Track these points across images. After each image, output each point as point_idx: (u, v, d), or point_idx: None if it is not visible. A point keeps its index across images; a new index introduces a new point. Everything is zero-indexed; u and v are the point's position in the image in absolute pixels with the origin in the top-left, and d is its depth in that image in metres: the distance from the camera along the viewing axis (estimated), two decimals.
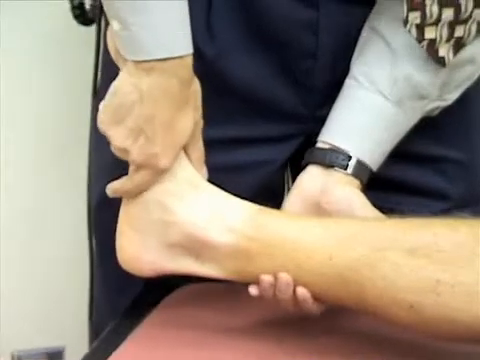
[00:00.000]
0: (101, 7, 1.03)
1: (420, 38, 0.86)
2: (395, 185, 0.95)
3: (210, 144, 0.85)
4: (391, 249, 0.74)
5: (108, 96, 0.80)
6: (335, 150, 0.88)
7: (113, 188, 0.84)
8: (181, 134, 0.81)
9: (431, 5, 0.83)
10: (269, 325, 0.84)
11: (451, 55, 0.86)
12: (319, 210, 0.86)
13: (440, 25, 0.85)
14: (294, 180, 1.01)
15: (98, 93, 1.02)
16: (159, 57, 0.76)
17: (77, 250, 1.26)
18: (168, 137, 0.80)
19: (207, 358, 0.78)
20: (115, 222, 0.85)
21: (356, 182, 0.88)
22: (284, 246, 0.78)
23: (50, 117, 1.42)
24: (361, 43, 0.91)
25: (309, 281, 0.77)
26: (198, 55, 0.80)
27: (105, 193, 0.97)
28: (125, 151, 0.80)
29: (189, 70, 0.79)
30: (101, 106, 0.81)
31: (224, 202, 0.82)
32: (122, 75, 0.79)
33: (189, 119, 0.81)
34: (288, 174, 1.02)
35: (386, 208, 0.86)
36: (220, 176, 0.85)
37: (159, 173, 0.81)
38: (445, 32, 0.85)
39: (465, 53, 0.88)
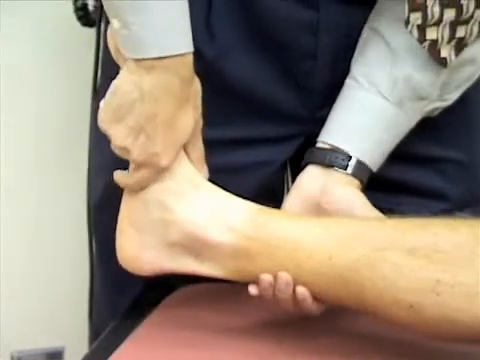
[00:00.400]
0: (101, 7, 1.03)
1: (422, 39, 0.85)
2: (395, 186, 0.95)
3: (210, 144, 0.85)
4: (391, 249, 0.74)
5: (108, 95, 0.80)
6: (335, 150, 0.88)
7: (117, 176, 0.84)
8: (182, 133, 0.81)
9: (432, 6, 0.83)
10: (269, 325, 0.84)
11: (453, 56, 0.86)
12: (319, 210, 0.86)
13: (442, 26, 0.85)
14: (294, 181, 1.01)
15: (98, 92, 1.02)
16: (159, 55, 0.76)
17: (77, 250, 1.26)
18: (169, 136, 0.80)
19: (207, 358, 0.78)
20: (115, 221, 0.85)
21: (356, 182, 0.88)
22: (284, 246, 0.78)
23: (50, 117, 1.42)
24: (361, 43, 0.91)
25: (309, 281, 0.77)
26: (198, 55, 0.80)
27: (104, 192, 0.98)
28: (125, 150, 0.80)
29: (190, 68, 0.79)
30: (101, 104, 0.80)
31: (224, 201, 0.82)
32: (122, 74, 0.79)
33: (190, 118, 0.81)
34: (288, 175, 1.02)
35: (386, 208, 0.86)
36: (220, 177, 0.85)
37: (159, 172, 0.81)
38: (447, 33, 0.85)
39: (465, 53, 0.87)
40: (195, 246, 0.80)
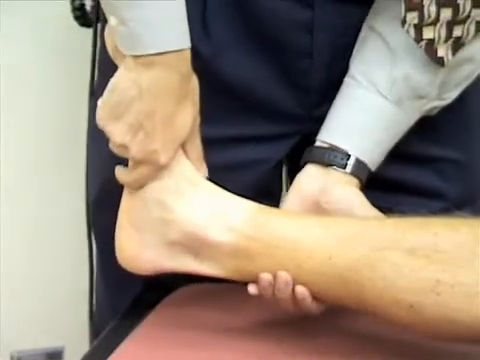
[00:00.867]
0: (97, 6, 1.03)
1: (418, 38, 0.85)
2: (392, 185, 0.95)
3: (205, 142, 0.85)
4: (391, 249, 0.74)
5: (106, 93, 0.79)
6: (334, 149, 0.88)
7: (118, 173, 0.83)
8: (181, 129, 0.81)
9: (429, 5, 0.83)
10: (269, 325, 0.84)
11: (450, 55, 0.86)
12: (318, 209, 0.86)
13: (438, 25, 0.84)
14: (290, 179, 1.01)
15: (95, 92, 1.02)
16: (157, 51, 0.76)
17: (77, 250, 1.25)
18: (168, 132, 0.79)
19: (207, 358, 0.78)
20: (112, 219, 0.85)
21: (355, 181, 0.87)
22: (284, 246, 0.78)
23: (50, 117, 1.42)
24: (360, 42, 0.91)
25: (309, 281, 0.77)
26: (194, 54, 0.80)
27: (101, 190, 0.98)
28: (124, 147, 0.80)
29: (188, 64, 0.79)
30: (99, 102, 0.80)
31: (224, 201, 0.82)
32: (120, 71, 0.79)
33: (188, 114, 0.81)
34: (285, 173, 1.02)
35: (384, 208, 0.86)
36: (216, 175, 0.85)
37: (158, 169, 0.81)
38: (443, 32, 0.85)
39: (464, 52, 0.87)
40: (195, 245, 0.80)
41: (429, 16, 0.84)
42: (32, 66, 1.39)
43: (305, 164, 0.90)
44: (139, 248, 0.83)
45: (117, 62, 0.80)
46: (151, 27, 0.76)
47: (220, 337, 0.81)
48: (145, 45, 0.76)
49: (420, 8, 0.84)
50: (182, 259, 0.81)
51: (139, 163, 0.81)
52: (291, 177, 1.02)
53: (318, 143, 0.89)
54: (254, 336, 0.81)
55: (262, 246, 0.78)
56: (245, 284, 0.80)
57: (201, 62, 0.84)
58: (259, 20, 0.89)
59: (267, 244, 0.78)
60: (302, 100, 0.93)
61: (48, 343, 1.51)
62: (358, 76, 0.89)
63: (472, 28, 0.86)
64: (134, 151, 0.80)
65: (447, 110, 0.92)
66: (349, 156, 0.87)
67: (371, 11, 0.90)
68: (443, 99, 0.91)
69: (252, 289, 0.79)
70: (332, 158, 0.87)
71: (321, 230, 0.78)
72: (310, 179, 0.88)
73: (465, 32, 0.86)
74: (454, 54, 0.86)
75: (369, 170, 0.89)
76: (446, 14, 0.84)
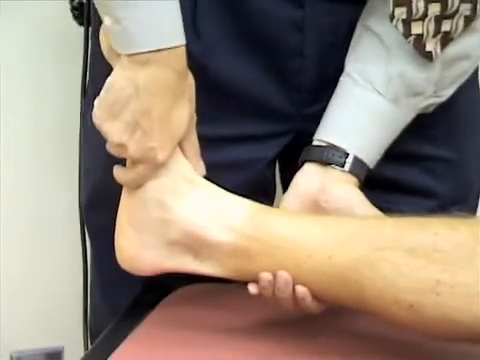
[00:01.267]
0: (89, 7, 1.03)
1: (407, 33, 0.85)
2: (384, 184, 0.95)
3: (198, 141, 0.85)
4: (391, 249, 0.74)
5: (103, 92, 0.79)
6: (332, 147, 0.88)
7: (116, 172, 0.83)
8: (178, 127, 0.81)
9: (417, 0, 0.83)
10: (269, 325, 0.84)
11: (438, 50, 0.86)
12: (317, 209, 0.86)
13: (427, 20, 0.84)
14: (283, 178, 1.01)
15: (87, 92, 1.02)
16: (151, 49, 0.76)
17: (77, 250, 1.26)
18: (165, 130, 0.79)
19: (207, 358, 0.78)
20: (106, 220, 0.85)
21: (354, 180, 0.87)
22: (284, 245, 0.78)
23: (49, 117, 1.42)
24: (355, 41, 0.91)
25: (309, 280, 0.77)
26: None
27: (93, 191, 0.98)
28: (122, 147, 0.80)
29: (184, 61, 0.79)
30: (96, 102, 0.80)
31: (223, 200, 0.82)
32: (116, 71, 0.79)
33: (185, 111, 0.81)
34: (276, 172, 1.02)
35: (382, 207, 0.86)
36: (208, 174, 0.85)
37: (156, 168, 0.81)
38: (432, 27, 0.85)
39: (459, 48, 0.88)
40: (195, 245, 0.80)
41: (417, 11, 0.84)
42: (31, 66, 1.39)
43: (303, 163, 0.89)
44: (139, 248, 0.83)
45: (112, 62, 0.80)
46: (145, 25, 0.76)
47: (220, 337, 0.81)
48: (140, 43, 0.76)
49: (408, 3, 0.84)
50: (182, 259, 0.81)
51: (137, 162, 0.81)
52: (283, 176, 1.02)
53: (315, 142, 0.89)
54: (254, 336, 0.81)
55: (262, 246, 0.78)
56: (245, 284, 0.80)
57: (192, 62, 0.84)
58: (250, 19, 0.89)
59: (267, 244, 0.78)
60: (293, 99, 0.93)
61: (48, 343, 1.51)
62: (354, 74, 0.89)
63: (461, 23, 0.85)
64: (132, 150, 0.79)
65: (440, 108, 0.92)
66: (347, 154, 0.87)
67: (365, 10, 0.90)
68: (439, 96, 0.91)
69: (252, 289, 0.79)
70: (330, 156, 0.87)
71: (321, 230, 0.78)
72: (308, 178, 0.88)
73: (454, 27, 0.85)
74: (443, 49, 0.86)
75: (367, 168, 0.89)
76: (434, 9, 0.84)
